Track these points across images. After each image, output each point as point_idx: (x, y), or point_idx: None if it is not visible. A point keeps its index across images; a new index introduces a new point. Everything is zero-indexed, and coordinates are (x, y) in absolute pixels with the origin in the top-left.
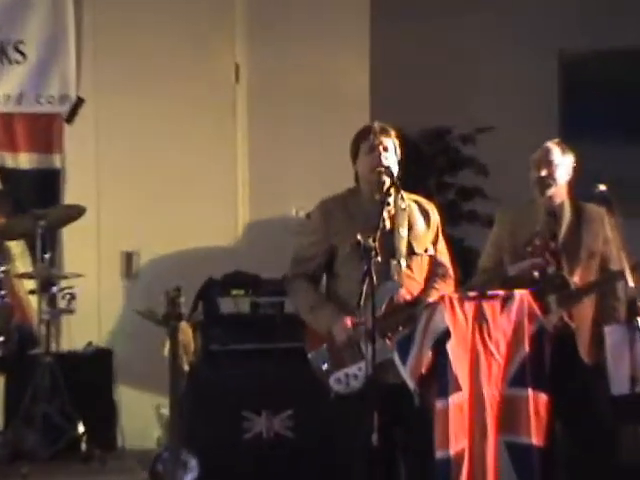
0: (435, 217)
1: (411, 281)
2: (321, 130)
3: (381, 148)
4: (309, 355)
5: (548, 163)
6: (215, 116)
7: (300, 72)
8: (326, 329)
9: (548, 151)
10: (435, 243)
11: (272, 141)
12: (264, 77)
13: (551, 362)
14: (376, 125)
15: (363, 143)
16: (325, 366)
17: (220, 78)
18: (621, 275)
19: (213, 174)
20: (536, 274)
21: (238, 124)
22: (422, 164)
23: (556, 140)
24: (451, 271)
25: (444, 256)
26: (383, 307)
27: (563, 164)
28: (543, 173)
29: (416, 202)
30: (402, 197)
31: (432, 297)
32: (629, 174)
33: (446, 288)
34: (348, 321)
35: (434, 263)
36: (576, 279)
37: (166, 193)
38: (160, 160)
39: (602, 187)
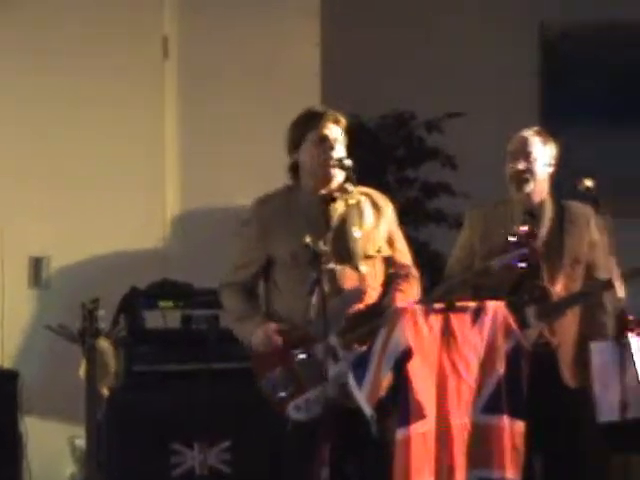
0: (389, 212)
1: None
2: (263, 112)
3: (332, 139)
4: (261, 382)
5: (526, 155)
6: (139, 96)
7: (239, 46)
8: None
9: (526, 141)
10: (391, 242)
11: (206, 124)
12: (197, 51)
13: (529, 385)
14: (328, 112)
15: (311, 132)
16: (282, 394)
17: (145, 53)
18: (609, 285)
19: (137, 164)
20: (523, 265)
21: (166, 106)
22: (380, 155)
23: (536, 128)
24: (414, 270)
25: (404, 256)
26: (343, 321)
27: (543, 156)
28: (520, 166)
29: (366, 195)
30: (349, 191)
31: (399, 301)
32: (620, 167)
33: (411, 290)
34: (272, 327)
35: (392, 264)
36: (558, 289)
37: (81, 186)
38: (73, 148)
39: (588, 182)
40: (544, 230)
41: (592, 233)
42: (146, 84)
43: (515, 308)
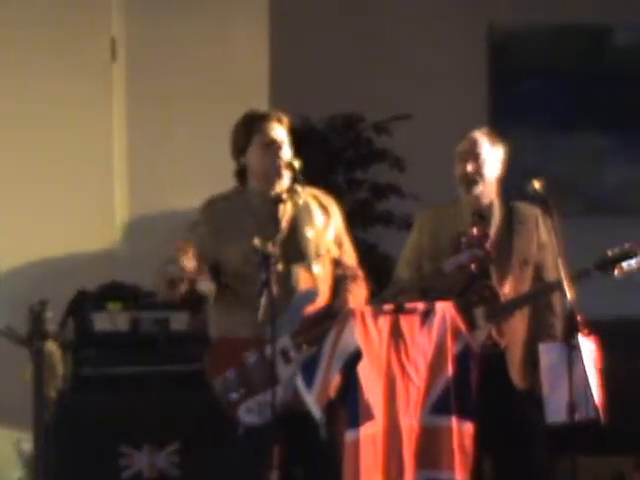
0: (337, 212)
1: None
2: (211, 114)
3: (280, 140)
4: (213, 383)
5: (475, 156)
6: (88, 98)
7: (187, 47)
8: (168, 275)
9: (475, 142)
10: (339, 243)
11: (155, 127)
12: (145, 53)
13: (478, 386)
14: (271, 113)
15: (256, 134)
16: (234, 395)
17: (93, 54)
18: (558, 286)
19: (85, 166)
20: (473, 267)
21: (115, 108)
22: (329, 157)
23: (484, 129)
24: (360, 271)
25: (350, 257)
26: (297, 323)
27: (492, 157)
28: (469, 168)
29: (313, 196)
30: (297, 192)
31: (350, 302)
32: (568, 168)
33: (359, 291)
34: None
35: (339, 265)
36: (506, 290)
37: (29, 188)
38: (21, 149)
39: (537, 184)
40: (493, 231)
41: (541, 234)
42: (94, 86)
43: (464, 309)
